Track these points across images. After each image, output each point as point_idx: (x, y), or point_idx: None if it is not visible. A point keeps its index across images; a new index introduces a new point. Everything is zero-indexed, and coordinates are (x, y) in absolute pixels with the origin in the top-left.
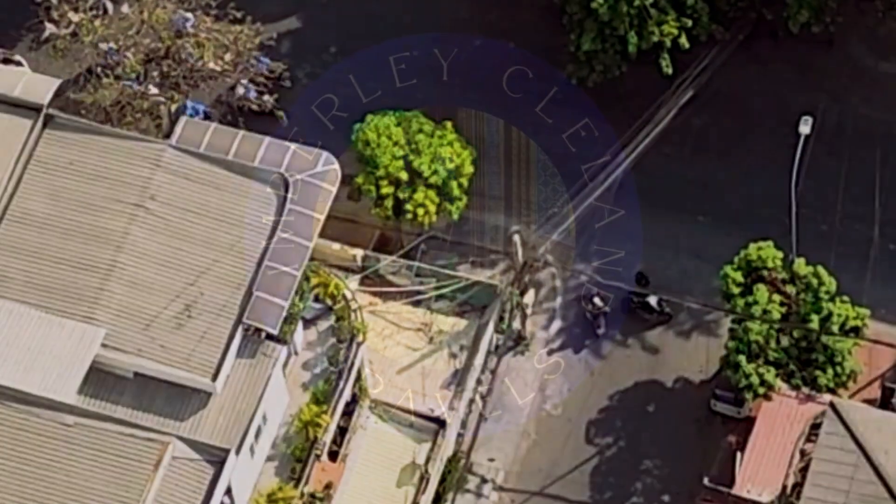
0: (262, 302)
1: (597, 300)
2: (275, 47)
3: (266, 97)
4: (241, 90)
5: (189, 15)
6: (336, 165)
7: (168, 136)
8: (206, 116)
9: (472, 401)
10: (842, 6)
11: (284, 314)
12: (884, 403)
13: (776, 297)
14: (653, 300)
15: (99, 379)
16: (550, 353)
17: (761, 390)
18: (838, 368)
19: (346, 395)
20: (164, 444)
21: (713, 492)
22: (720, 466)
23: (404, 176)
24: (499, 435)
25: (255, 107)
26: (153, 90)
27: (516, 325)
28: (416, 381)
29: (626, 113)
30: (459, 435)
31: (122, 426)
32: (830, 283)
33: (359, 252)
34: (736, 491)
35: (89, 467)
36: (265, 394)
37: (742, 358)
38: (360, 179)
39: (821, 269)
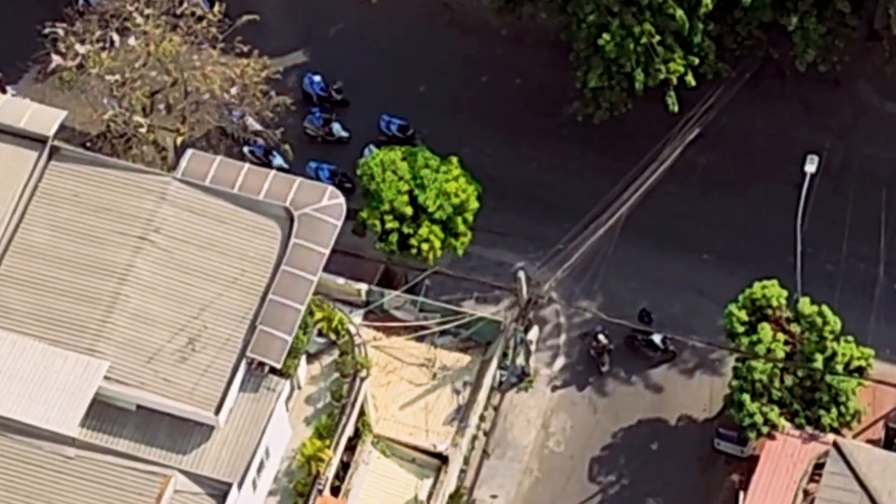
0: (266, 336)
1: (601, 336)
2: (281, 81)
3: (271, 131)
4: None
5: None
6: (341, 200)
7: (173, 168)
8: (335, 178)
9: (474, 437)
10: (849, 46)
11: (288, 348)
12: (888, 444)
13: (780, 336)
14: (657, 338)
15: (101, 411)
16: (554, 389)
17: (765, 429)
18: (842, 408)
19: (349, 430)
20: (167, 478)
21: None
22: None
23: (409, 211)
24: (501, 471)
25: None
26: (139, 119)
27: (520, 361)
28: (419, 417)
29: (632, 150)
30: (462, 471)
31: (124, 459)
32: (835, 323)
33: (363, 287)
34: None
35: (91, 500)
36: (268, 428)
37: (746, 397)
38: (364, 214)
39: (825, 309)
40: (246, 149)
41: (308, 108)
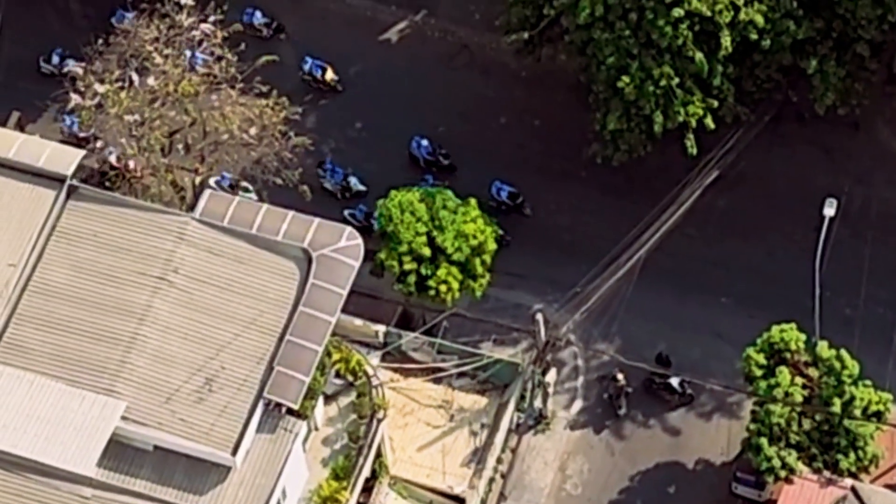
0: (284, 376)
1: (619, 375)
2: (300, 122)
3: (290, 172)
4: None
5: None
6: (359, 240)
7: (192, 208)
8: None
9: (492, 479)
10: (868, 90)
11: (305, 389)
12: None
13: (798, 380)
14: (675, 381)
15: (118, 451)
16: (572, 432)
17: (783, 473)
18: (860, 453)
19: (366, 472)
20: None
21: None
22: None
23: (427, 252)
24: None
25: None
26: (132, 164)
27: (538, 403)
28: (437, 459)
29: (651, 192)
30: None
31: (141, 499)
32: (853, 367)
33: (381, 328)
34: None
35: None
36: (285, 469)
37: (764, 440)
38: (382, 255)
39: (844, 353)
40: (346, 212)
41: (421, 175)
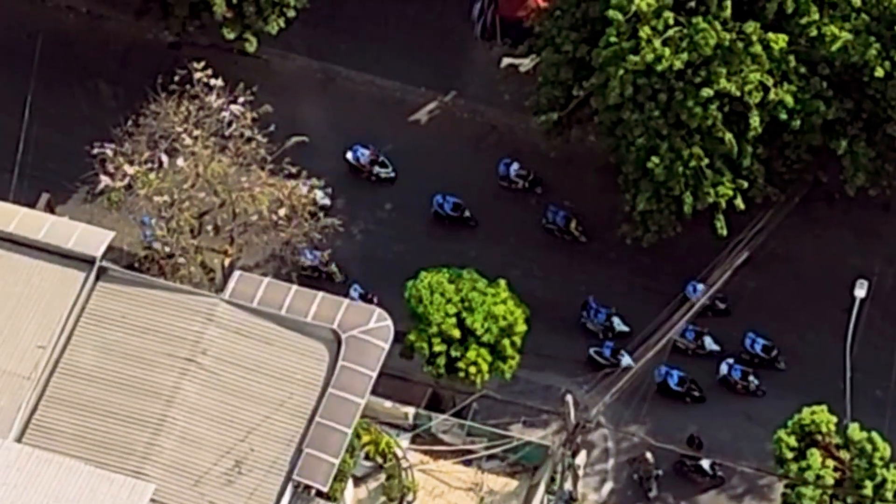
0: (313, 459)
1: (648, 455)
2: (330, 203)
3: (320, 253)
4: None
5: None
6: (389, 322)
7: (221, 290)
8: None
9: None
10: None
11: (335, 471)
12: None
13: (830, 463)
14: (705, 463)
15: None
16: None
17: None
18: None
19: None
20: None
21: None
22: None
23: (457, 333)
24: None
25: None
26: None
27: (568, 486)
28: None
29: (680, 273)
30: None
31: None
32: (885, 450)
33: (410, 410)
34: None
35: None
36: None
37: None
38: (412, 337)
39: (875, 435)
40: (592, 350)
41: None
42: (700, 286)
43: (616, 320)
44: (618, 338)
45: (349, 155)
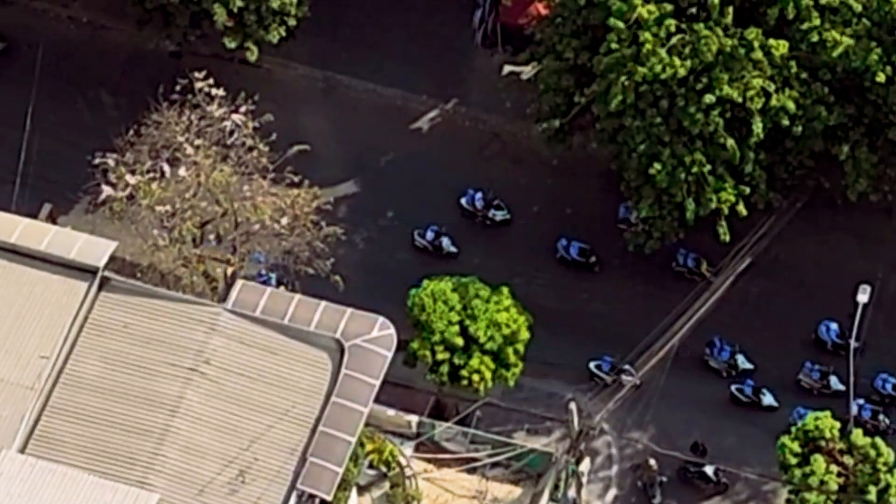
0: (317, 468)
1: (651, 462)
2: (332, 211)
3: (322, 262)
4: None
5: None
6: (392, 331)
7: (224, 299)
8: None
9: None
10: None
11: (338, 480)
12: None
13: (833, 468)
14: (709, 470)
15: None
16: None
17: None
18: None
19: None
20: None
21: None
22: None
23: (460, 342)
24: None
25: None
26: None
27: (571, 493)
28: None
29: (683, 280)
30: None
31: None
32: (888, 455)
33: (414, 418)
34: None
35: None
36: None
37: None
38: (415, 345)
39: (879, 441)
40: (734, 387)
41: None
42: (833, 325)
43: (740, 358)
44: (742, 375)
45: (463, 200)
